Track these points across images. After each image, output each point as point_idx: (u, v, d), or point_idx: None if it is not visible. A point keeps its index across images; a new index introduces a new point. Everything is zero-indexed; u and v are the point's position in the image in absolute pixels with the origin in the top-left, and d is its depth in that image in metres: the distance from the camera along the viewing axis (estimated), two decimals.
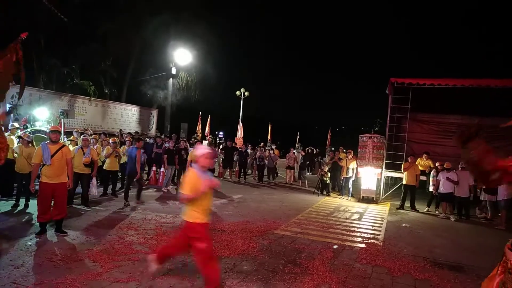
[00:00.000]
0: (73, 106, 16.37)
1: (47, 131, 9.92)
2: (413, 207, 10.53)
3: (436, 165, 10.51)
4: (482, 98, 12.01)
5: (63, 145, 6.00)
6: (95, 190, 9.10)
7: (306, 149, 18.19)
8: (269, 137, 23.51)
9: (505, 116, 13.53)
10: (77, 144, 8.74)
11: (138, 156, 8.90)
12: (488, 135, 13.17)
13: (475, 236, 8.02)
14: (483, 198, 9.99)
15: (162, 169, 11.65)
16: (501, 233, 8.28)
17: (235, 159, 14.95)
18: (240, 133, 19.88)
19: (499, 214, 9.23)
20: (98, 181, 9.98)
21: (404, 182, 10.77)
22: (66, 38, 17.65)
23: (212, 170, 14.58)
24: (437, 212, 10.34)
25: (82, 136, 8.50)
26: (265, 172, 15.38)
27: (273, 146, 18.95)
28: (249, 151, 15.55)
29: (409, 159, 10.89)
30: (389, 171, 12.32)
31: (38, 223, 5.82)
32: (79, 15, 17.85)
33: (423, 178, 11.18)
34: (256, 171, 15.36)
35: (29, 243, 5.30)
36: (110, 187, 9.67)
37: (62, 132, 10.74)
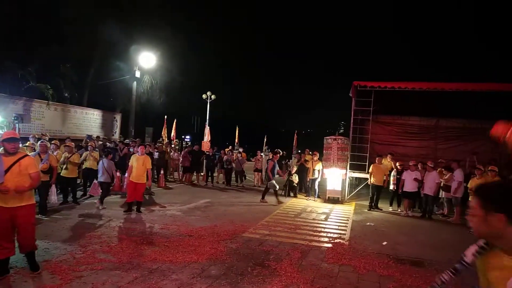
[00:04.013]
0: (29, 110, 15.53)
1: None
2: (376, 206, 10.84)
3: (397, 165, 10.87)
4: (439, 100, 12.61)
5: (24, 155, 4.56)
6: (54, 198, 8.66)
7: (273, 151, 18.30)
8: (236, 140, 23.47)
9: (460, 117, 14.11)
10: (34, 150, 8.32)
11: (270, 165, 11.13)
12: (443, 135, 13.94)
13: (435, 232, 8.39)
14: (441, 195, 10.48)
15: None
16: (458, 229, 8.72)
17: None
18: (207, 137, 19.65)
19: (454, 210, 9.75)
20: (58, 189, 9.53)
21: (371, 182, 10.81)
22: (24, 39, 16.73)
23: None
24: (399, 210, 10.71)
25: (39, 142, 8.09)
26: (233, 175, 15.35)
27: (240, 149, 18.92)
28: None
29: (376, 160, 11.04)
30: (354, 172, 12.62)
31: None
32: (37, 15, 17.00)
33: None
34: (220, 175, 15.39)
35: None
36: (71, 195, 9.27)
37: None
